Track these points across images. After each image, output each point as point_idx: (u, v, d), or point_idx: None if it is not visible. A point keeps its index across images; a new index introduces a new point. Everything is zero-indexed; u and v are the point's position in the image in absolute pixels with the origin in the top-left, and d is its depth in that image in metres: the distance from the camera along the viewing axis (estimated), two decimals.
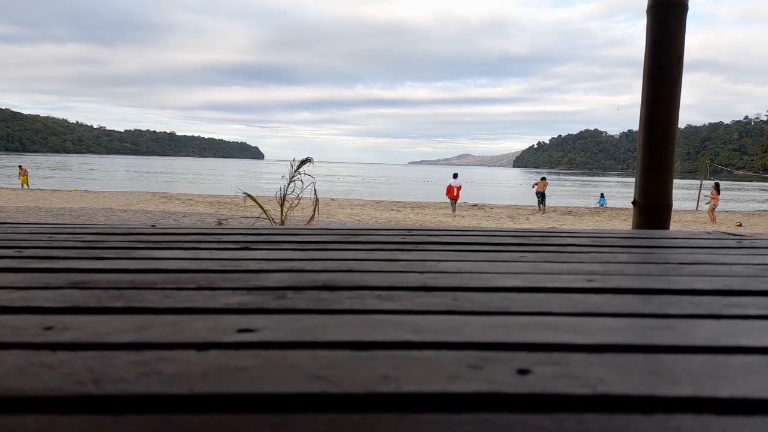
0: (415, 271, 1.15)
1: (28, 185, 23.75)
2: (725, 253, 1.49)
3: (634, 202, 2.52)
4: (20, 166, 25.23)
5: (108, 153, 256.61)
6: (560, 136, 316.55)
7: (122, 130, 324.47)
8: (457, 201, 18.97)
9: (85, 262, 1.26)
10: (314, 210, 6.23)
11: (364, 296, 0.93)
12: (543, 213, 18.70)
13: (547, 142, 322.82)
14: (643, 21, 2.89)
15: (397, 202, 24.39)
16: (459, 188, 19.10)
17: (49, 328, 0.73)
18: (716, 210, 18.47)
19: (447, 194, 19.24)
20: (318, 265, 1.19)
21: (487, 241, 1.65)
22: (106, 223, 2.54)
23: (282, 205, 6.09)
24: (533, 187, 20.19)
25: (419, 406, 0.52)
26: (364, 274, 1.11)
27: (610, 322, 0.80)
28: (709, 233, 1.64)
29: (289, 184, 6.12)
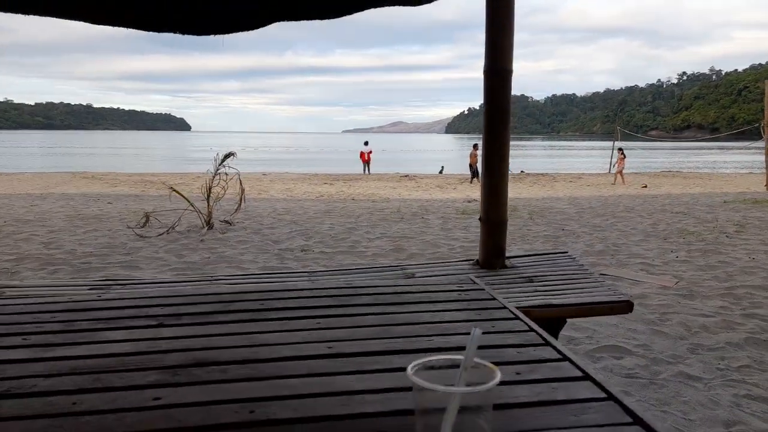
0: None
1: None
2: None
3: (480, 219, 2.94)
4: None
5: (18, 128, 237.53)
6: None
7: (32, 104, 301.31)
8: (369, 163, 24.67)
9: None
10: (240, 201, 6.38)
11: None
12: (471, 183, 19.52)
13: (477, 108, 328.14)
14: None
15: (330, 175, 24.46)
16: (370, 153, 24.69)
17: None
18: (624, 172, 19.86)
19: (360, 158, 24.79)
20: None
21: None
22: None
23: (208, 198, 6.19)
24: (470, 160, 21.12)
25: None
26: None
27: None
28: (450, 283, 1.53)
29: (213, 178, 6.22)
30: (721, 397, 2.56)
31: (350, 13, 3.20)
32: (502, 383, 0.88)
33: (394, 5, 3.18)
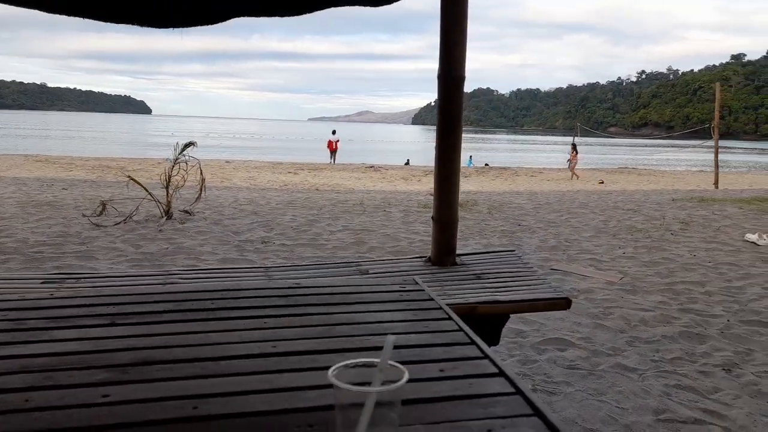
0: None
1: None
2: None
3: (432, 218, 3.06)
4: None
5: None
6: None
7: None
8: (336, 153, 26.00)
9: None
10: (200, 190, 6.32)
11: None
12: None
13: None
14: None
15: (295, 163, 24.32)
16: (337, 142, 26.19)
17: None
18: (580, 168, 20.48)
19: (328, 147, 26.49)
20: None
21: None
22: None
23: (167, 187, 6.12)
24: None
25: None
26: None
27: None
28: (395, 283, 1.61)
29: (173, 167, 6.15)
30: (653, 387, 2.75)
31: (311, 11, 3.24)
32: (425, 379, 0.98)
33: (354, 5, 3.23)
